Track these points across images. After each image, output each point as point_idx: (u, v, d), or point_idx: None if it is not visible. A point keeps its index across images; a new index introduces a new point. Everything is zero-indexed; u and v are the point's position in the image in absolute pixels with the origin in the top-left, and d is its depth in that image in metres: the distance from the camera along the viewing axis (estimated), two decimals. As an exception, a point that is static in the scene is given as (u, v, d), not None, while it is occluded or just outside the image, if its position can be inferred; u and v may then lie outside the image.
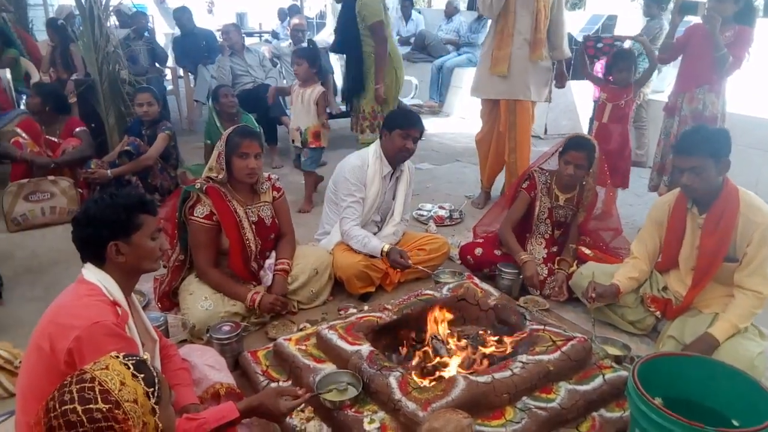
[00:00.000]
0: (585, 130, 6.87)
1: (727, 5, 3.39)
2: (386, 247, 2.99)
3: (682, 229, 2.54)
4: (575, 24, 6.90)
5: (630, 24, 6.73)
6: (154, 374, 1.20)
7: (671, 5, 5.55)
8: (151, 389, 1.17)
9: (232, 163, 2.63)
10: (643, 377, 1.67)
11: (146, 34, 7.11)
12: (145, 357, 1.23)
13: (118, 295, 1.69)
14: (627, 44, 4.62)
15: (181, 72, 7.23)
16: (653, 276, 2.73)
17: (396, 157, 3.14)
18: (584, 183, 3.08)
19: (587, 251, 3.04)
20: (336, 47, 4.95)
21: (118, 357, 1.19)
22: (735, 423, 1.70)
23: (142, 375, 1.17)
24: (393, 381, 1.92)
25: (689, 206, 2.49)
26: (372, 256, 3.03)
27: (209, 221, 2.60)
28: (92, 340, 1.51)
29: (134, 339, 1.69)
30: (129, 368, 1.16)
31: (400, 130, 3.05)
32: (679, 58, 3.84)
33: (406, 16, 9.34)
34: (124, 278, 1.72)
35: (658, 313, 2.64)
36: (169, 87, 7.35)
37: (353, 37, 4.36)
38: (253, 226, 2.72)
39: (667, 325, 2.58)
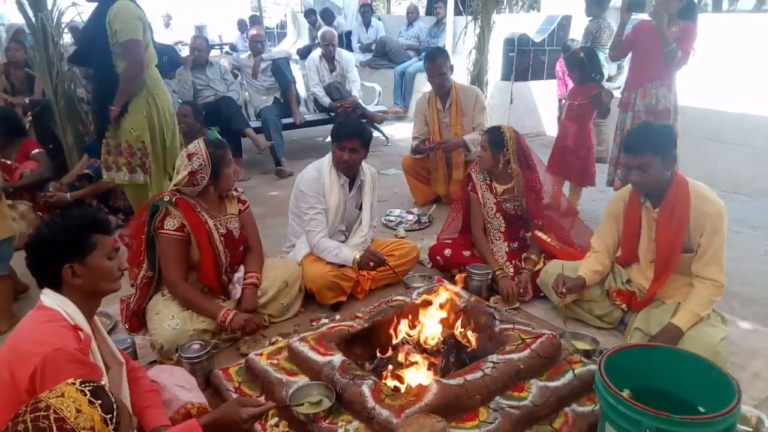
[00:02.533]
0: (548, 129, 7.03)
1: (673, 2, 3.50)
2: (357, 256, 2.98)
3: (638, 223, 2.60)
4: (531, 26, 7.03)
5: (584, 24, 6.87)
6: (113, 400, 1.17)
7: (612, 4, 5.74)
8: (109, 415, 1.14)
9: (221, 175, 2.65)
10: (610, 370, 1.70)
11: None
12: (102, 383, 1.21)
13: (79, 318, 1.64)
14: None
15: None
16: (616, 269, 2.79)
17: (339, 169, 3.12)
18: (508, 167, 3.14)
19: (544, 236, 3.08)
20: (76, 59, 4.01)
21: (74, 384, 1.16)
22: (701, 409, 1.74)
23: (100, 401, 1.14)
24: (366, 389, 1.91)
25: (642, 201, 2.56)
26: (342, 264, 3.02)
27: (180, 233, 2.57)
28: (54, 367, 1.47)
29: (98, 364, 1.65)
30: (86, 395, 1.14)
31: (336, 142, 3.07)
32: (630, 55, 3.96)
33: (366, 23, 9.39)
34: (84, 301, 1.68)
35: (624, 305, 2.70)
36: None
37: (101, 52, 3.40)
38: (222, 239, 2.69)
39: (633, 318, 2.64)
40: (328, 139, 6.95)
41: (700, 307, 2.40)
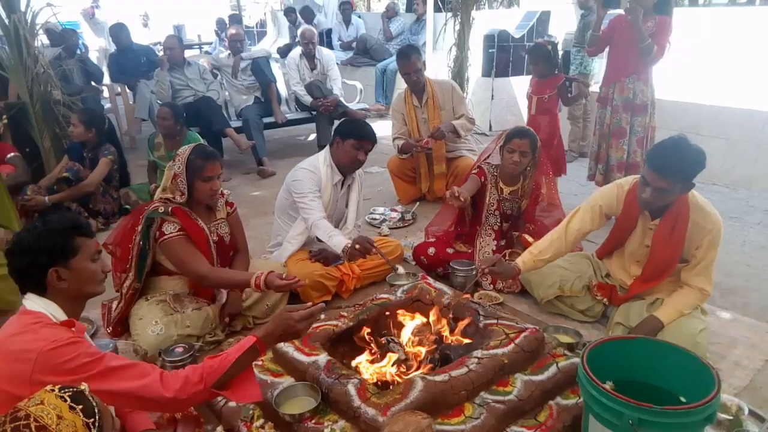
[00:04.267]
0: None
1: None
2: (348, 244, 2.89)
3: (633, 226, 2.58)
4: (510, 21, 7.07)
5: (563, 19, 6.94)
6: (94, 404, 1.16)
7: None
8: (91, 419, 1.13)
9: (194, 186, 2.57)
10: (593, 363, 1.72)
11: (79, 51, 6.88)
12: (82, 387, 1.19)
13: (65, 319, 1.64)
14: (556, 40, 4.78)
15: (118, 89, 7.03)
16: (596, 264, 2.81)
17: (347, 167, 3.13)
18: (527, 173, 3.16)
19: (530, 239, 3.12)
20: None
21: (53, 390, 1.16)
22: (682, 399, 1.76)
23: (81, 406, 1.14)
24: (351, 388, 1.91)
25: (641, 208, 2.52)
26: (327, 264, 3.02)
27: (183, 233, 2.54)
28: (56, 355, 1.46)
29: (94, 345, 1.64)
30: (66, 400, 1.13)
31: (354, 140, 3.05)
32: (607, 50, 3.99)
33: (347, 21, 9.37)
34: (69, 304, 1.67)
35: (605, 300, 2.73)
36: (107, 105, 7.14)
37: None
38: (214, 245, 2.67)
39: (614, 311, 2.67)
40: (311, 137, 6.98)
41: (685, 306, 2.43)
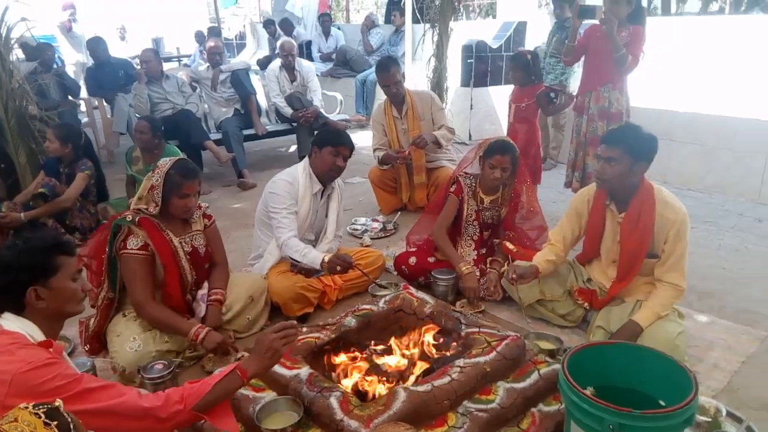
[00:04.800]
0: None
1: (622, 7, 3.61)
2: (327, 257, 2.92)
3: (602, 224, 2.65)
4: (488, 32, 7.15)
5: (539, 29, 7.04)
6: (69, 420, 1.14)
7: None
8: None
9: (170, 201, 2.54)
10: (573, 369, 1.73)
11: (55, 65, 6.80)
12: (57, 403, 1.17)
13: (43, 339, 1.61)
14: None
15: (96, 103, 6.96)
16: (577, 268, 2.85)
17: (326, 175, 3.13)
18: (506, 182, 3.19)
19: (511, 246, 3.14)
20: None
21: (27, 407, 1.13)
22: (662, 403, 1.78)
23: (56, 422, 1.12)
24: (334, 401, 1.90)
25: (607, 203, 2.61)
26: (308, 275, 3.01)
27: (144, 252, 2.49)
28: (34, 376, 1.43)
29: (73, 366, 1.61)
30: (40, 417, 1.11)
31: (331, 147, 3.05)
32: (583, 59, 4.06)
33: (326, 33, 9.40)
34: (48, 324, 1.64)
35: (585, 304, 2.76)
36: (85, 119, 7.07)
37: None
38: (188, 256, 2.64)
39: (594, 316, 2.69)
40: (292, 149, 6.97)
41: (661, 307, 2.47)
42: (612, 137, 2.50)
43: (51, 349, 1.55)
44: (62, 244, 1.69)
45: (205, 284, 2.76)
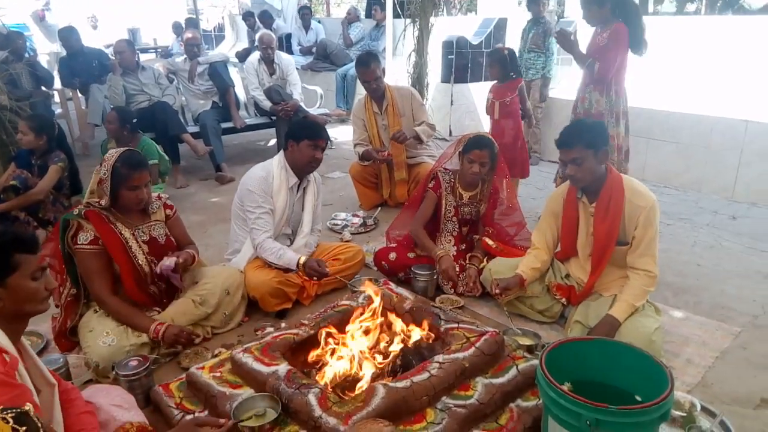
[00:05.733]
0: (488, 129, 7.18)
1: (593, 11, 3.53)
2: (302, 259, 2.93)
3: (576, 218, 2.69)
4: (468, 28, 7.16)
5: (519, 26, 7.06)
6: (39, 425, 1.11)
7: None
8: None
9: (119, 194, 2.50)
10: (551, 365, 1.73)
11: (27, 54, 6.63)
12: (26, 408, 1.14)
13: (3, 341, 1.54)
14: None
15: (70, 94, 6.81)
16: (555, 265, 2.87)
17: (304, 168, 3.11)
18: (485, 177, 3.19)
19: (490, 242, 3.15)
20: None
21: None
22: (638, 398, 1.80)
23: (24, 428, 1.08)
24: (312, 398, 1.88)
25: (579, 196, 2.64)
26: (287, 270, 2.98)
27: (96, 246, 2.45)
28: None
29: (27, 385, 1.55)
30: (8, 422, 1.07)
31: (309, 141, 3.02)
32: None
33: (306, 26, 9.32)
34: (7, 324, 1.58)
35: (563, 300, 2.78)
36: (58, 110, 6.91)
37: None
38: (145, 246, 2.58)
39: (572, 311, 2.71)
40: (271, 143, 6.91)
41: (635, 297, 2.49)
42: (566, 139, 2.52)
43: (7, 357, 1.49)
44: (23, 240, 1.62)
45: (170, 253, 2.68)
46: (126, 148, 2.63)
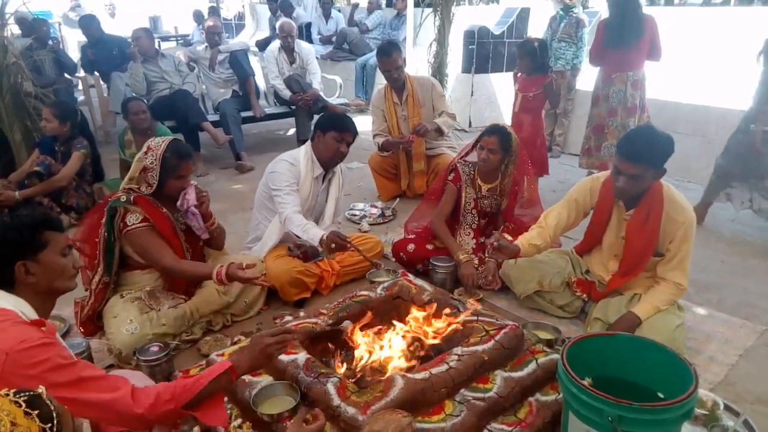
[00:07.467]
0: (508, 121, 7.11)
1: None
2: (325, 235, 2.87)
3: (607, 217, 2.61)
4: (490, 17, 7.08)
5: (543, 16, 6.96)
6: (52, 408, 1.11)
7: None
8: (49, 424, 1.08)
9: (166, 183, 2.54)
10: (572, 359, 1.72)
11: (51, 42, 6.70)
12: (39, 390, 1.15)
13: (35, 318, 1.58)
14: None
15: (92, 81, 6.88)
16: (576, 260, 2.83)
17: (329, 160, 3.10)
18: (505, 171, 3.16)
19: (509, 238, 3.12)
20: None
21: (7, 395, 1.10)
22: (660, 395, 1.78)
23: (37, 411, 1.08)
24: (331, 387, 1.89)
25: (616, 199, 2.57)
26: (306, 260, 2.98)
27: (146, 223, 2.49)
28: (26, 356, 1.40)
29: (67, 349, 1.59)
30: (21, 405, 1.08)
31: (335, 132, 3.01)
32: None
33: (326, 15, 9.28)
34: (39, 300, 1.63)
35: (584, 296, 2.74)
36: (81, 97, 6.98)
37: None
38: (182, 234, 2.63)
39: (592, 307, 2.68)
40: (290, 132, 6.91)
41: (662, 302, 2.46)
42: (634, 151, 2.30)
43: (44, 328, 1.53)
44: (50, 219, 1.69)
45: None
46: (173, 138, 2.67)
